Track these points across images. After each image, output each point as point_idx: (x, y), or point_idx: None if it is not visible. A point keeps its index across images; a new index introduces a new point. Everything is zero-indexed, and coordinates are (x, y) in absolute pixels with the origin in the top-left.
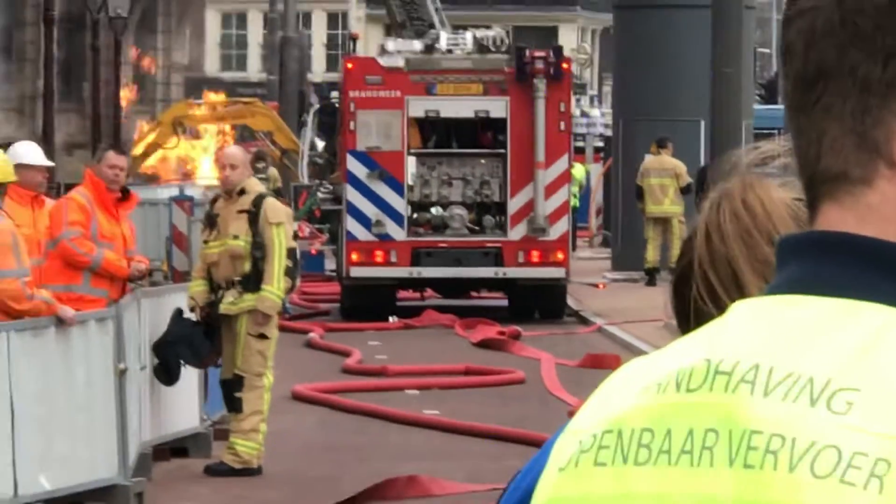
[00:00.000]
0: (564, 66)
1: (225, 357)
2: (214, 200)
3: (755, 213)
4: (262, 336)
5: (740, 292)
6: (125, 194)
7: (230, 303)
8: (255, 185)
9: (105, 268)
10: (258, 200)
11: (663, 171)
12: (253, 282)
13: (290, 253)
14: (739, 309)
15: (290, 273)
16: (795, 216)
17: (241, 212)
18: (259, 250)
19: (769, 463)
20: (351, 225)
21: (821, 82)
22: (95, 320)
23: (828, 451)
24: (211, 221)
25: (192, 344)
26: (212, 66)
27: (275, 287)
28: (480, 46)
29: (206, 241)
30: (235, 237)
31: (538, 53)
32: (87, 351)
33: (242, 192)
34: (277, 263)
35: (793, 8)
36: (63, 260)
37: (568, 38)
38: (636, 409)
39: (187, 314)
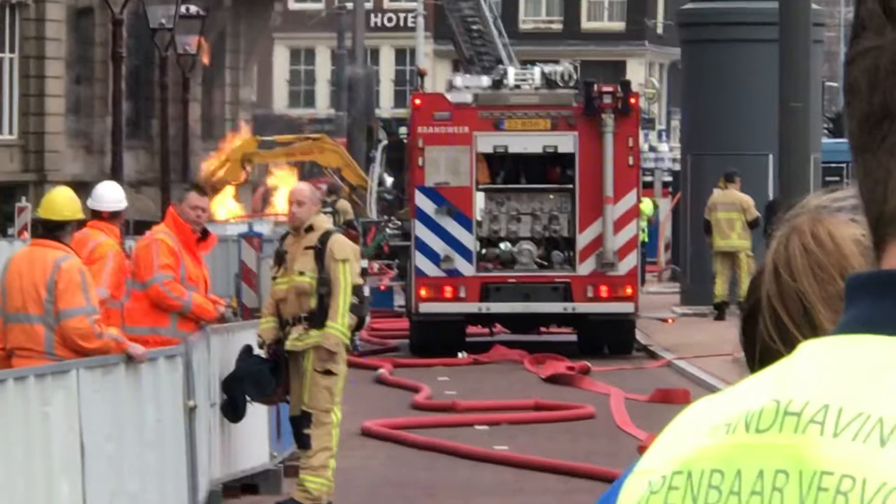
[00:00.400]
0: (632, 100)
1: (293, 394)
2: (284, 237)
3: (826, 247)
4: (328, 372)
5: (812, 328)
6: (204, 234)
7: (296, 339)
8: (323, 222)
9: (194, 311)
10: (325, 237)
11: (730, 206)
12: (319, 318)
13: (357, 290)
14: (807, 348)
15: (355, 310)
16: (864, 252)
17: (308, 248)
18: (325, 287)
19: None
20: (420, 261)
21: (886, 122)
22: (165, 357)
23: None
24: (280, 258)
25: (258, 381)
26: (280, 102)
27: (339, 324)
28: (548, 81)
29: (274, 278)
30: (301, 273)
31: (606, 88)
32: (156, 388)
33: (310, 228)
34: (343, 300)
35: (856, 47)
36: (151, 302)
37: (636, 73)
38: (705, 450)
39: (256, 351)
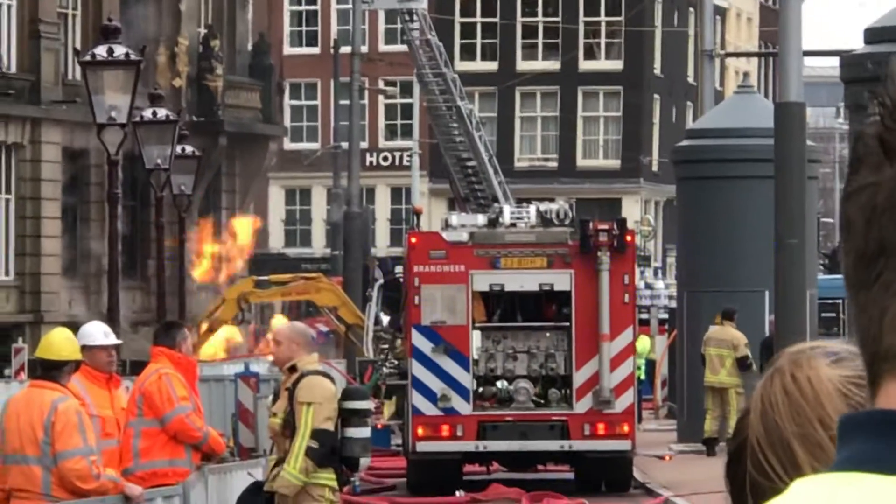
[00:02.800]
0: (628, 238)
1: None
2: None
3: (804, 392)
4: None
5: (796, 470)
6: None
7: (271, 480)
8: (305, 364)
9: (210, 443)
10: (298, 379)
11: (722, 342)
12: None
13: (318, 434)
14: (800, 487)
15: (312, 454)
16: (845, 395)
17: (286, 389)
18: (289, 429)
19: None
20: (417, 399)
21: (882, 258)
22: (162, 498)
23: None
24: (275, 397)
25: None
26: (276, 241)
27: (291, 466)
28: (544, 219)
29: (272, 415)
30: (274, 415)
31: (602, 226)
32: None
33: (293, 368)
34: (299, 443)
35: (853, 183)
36: (172, 435)
37: (631, 210)
38: None
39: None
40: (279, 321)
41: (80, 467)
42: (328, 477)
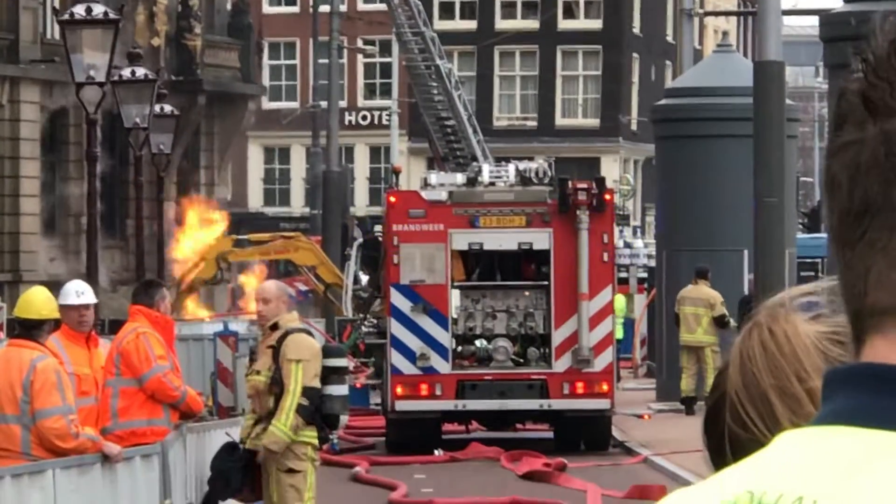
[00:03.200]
0: (607, 197)
1: (264, 492)
2: (262, 336)
3: (781, 346)
4: (291, 470)
5: (774, 423)
6: None
7: (254, 438)
8: (288, 321)
9: (188, 402)
10: (283, 337)
11: (698, 301)
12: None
13: (308, 392)
14: (784, 439)
15: (302, 411)
16: (822, 351)
17: (269, 347)
18: (277, 386)
19: None
20: (395, 359)
21: (866, 216)
22: (141, 456)
23: None
24: (252, 356)
25: (227, 479)
26: (255, 200)
27: (281, 423)
28: (523, 178)
29: (246, 376)
30: (258, 373)
31: (581, 185)
32: (133, 487)
33: (275, 326)
34: (290, 401)
35: (836, 141)
36: (150, 394)
37: (610, 169)
38: None
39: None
40: (254, 281)
41: (58, 426)
42: (311, 435)
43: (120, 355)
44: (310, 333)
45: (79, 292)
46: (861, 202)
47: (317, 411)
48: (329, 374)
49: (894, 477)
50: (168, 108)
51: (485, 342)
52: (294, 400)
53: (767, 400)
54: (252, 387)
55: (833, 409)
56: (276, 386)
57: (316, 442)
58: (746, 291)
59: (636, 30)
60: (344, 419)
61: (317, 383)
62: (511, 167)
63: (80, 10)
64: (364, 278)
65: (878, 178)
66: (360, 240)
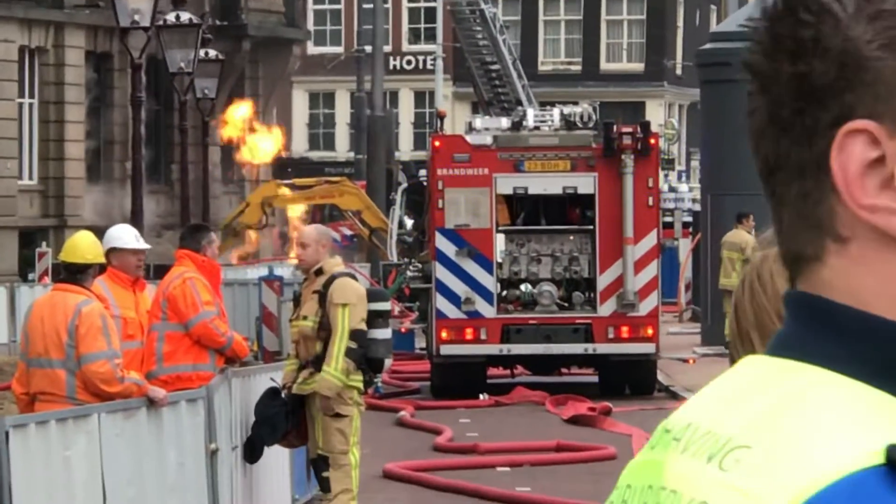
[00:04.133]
0: (652, 141)
1: (309, 437)
2: (304, 281)
3: (765, 285)
4: (338, 415)
5: None
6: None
7: (301, 383)
8: (333, 266)
9: (234, 348)
10: (329, 281)
11: (733, 245)
12: (322, 362)
13: (356, 335)
14: (738, 367)
15: (352, 354)
16: None
17: (314, 292)
18: (325, 331)
19: None
20: (440, 303)
21: (772, 176)
22: (186, 401)
23: None
24: (296, 301)
25: (272, 424)
26: (299, 145)
27: (332, 368)
28: (568, 123)
29: (290, 321)
30: (305, 318)
31: (626, 129)
32: (178, 431)
33: (320, 272)
34: (338, 345)
35: (747, 111)
36: (195, 340)
37: (655, 114)
38: (630, 468)
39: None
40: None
41: (104, 370)
42: (357, 379)
43: (167, 300)
44: (354, 278)
45: (136, 237)
46: (765, 163)
47: (362, 355)
48: (373, 318)
49: (763, 403)
50: (213, 52)
51: (530, 286)
52: (343, 344)
53: (749, 338)
54: (298, 332)
55: (778, 337)
56: (324, 331)
57: (361, 386)
58: None
59: None
60: (388, 363)
61: (363, 326)
62: (556, 111)
63: None
64: (409, 223)
65: (770, 138)
66: (405, 184)
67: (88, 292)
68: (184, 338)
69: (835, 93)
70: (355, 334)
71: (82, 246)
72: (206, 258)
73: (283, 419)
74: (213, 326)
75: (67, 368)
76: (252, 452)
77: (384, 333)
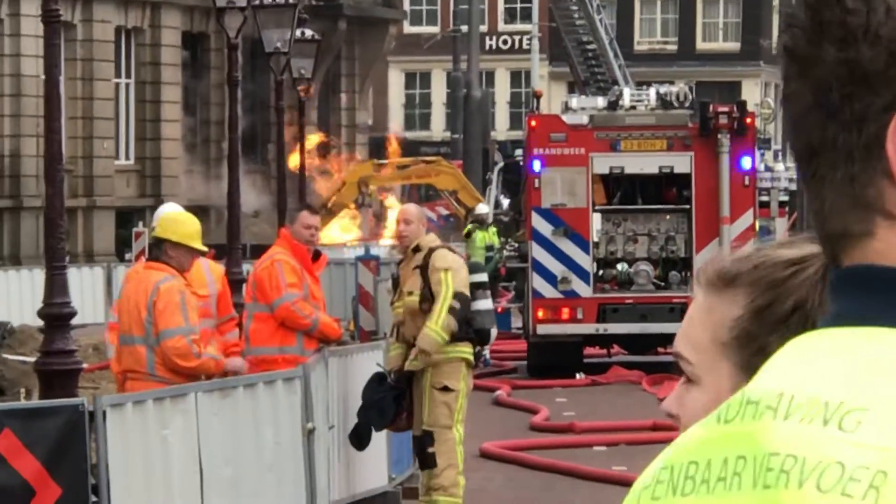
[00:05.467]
0: (748, 120)
1: (415, 413)
2: (399, 263)
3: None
4: (446, 388)
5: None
6: (316, 255)
7: (413, 359)
8: (430, 241)
9: (321, 330)
10: (429, 254)
11: None
12: None
13: (460, 296)
14: (788, 345)
15: (455, 314)
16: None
17: (415, 268)
18: (428, 302)
19: (782, 482)
20: (537, 282)
21: (814, 159)
22: (283, 380)
23: (833, 468)
24: (395, 283)
25: (381, 409)
26: (395, 125)
27: (434, 323)
28: (664, 102)
29: (392, 303)
30: (410, 293)
31: (722, 108)
32: (275, 411)
33: (417, 248)
34: (441, 302)
35: (783, 93)
36: (278, 322)
37: (751, 93)
38: (685, 445)
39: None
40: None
41: (180, 345)
42: (467, 350)
43: (255, 281)
44: (451, 251)
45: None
46: (806, 146)
47: (468, 325)
48: (473, 290)
49: (860, 367)
50: (309, 32)
51: (626, 266)
52: (446, 303)
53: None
54: (404, 309)
55: (838, 311)
56: (427, 302)
57: (471, 358)
58: None
59: None
60: (493, 332)
61: (466, 291)
62: (652, 91)
63: None
64: (505, 202)
65: (815, 122)
66: (501, 164)
67: (171, 269)
68: (269, 319)
69: (887, 79)
70: (458, 295)
71: (184, 223)
72: (291, 237)
73: (390, 403)
74: (295, 309)
75: (148, 345)
76: (360, 439)
77: (486, 304)
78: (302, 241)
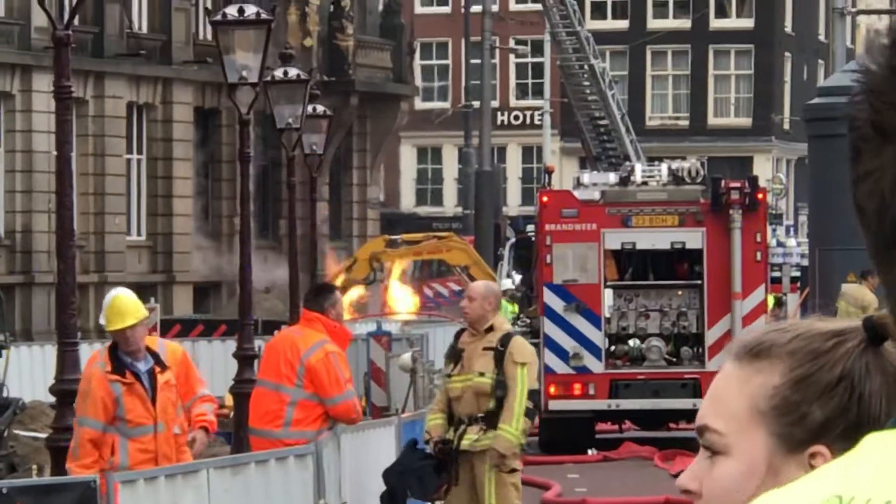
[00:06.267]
0: (760, 196)
1: (459, 494)
2: (459, 334)
3: None
4: (514, 470)
5: None
6: None
7: (473, 440)
8: (503, 323)
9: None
10: (505, 339)
11: (854, 300)
12: (496, 419)
13: (532, 394)
14: (871, 442)
15: (529, 414)
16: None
17: (486, 349)
18: (502, 389)
19: None
20: (549, 358)
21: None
22: (295, 456)
23: None
24: (456, 356)
25: (421, 477)
26: (407, 201)
27: (513, 427)
28: (676, 178)
29: (449, 375)
30: (482, 374)
31: (734, 184)
32: (286, 487)
33: (490, 328)
34: (518, 404)
35: (857, 171)
36: (333, 414)
37: (763, 168)
38: None
39: (420, 445)
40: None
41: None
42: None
43: (305, 369)
44: (525, 336)
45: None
46: (892, 228)
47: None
48: None
49: None
50: (320, 108)
51: (638, 341)
52: (523, 404)
53: None
54: (470, 388)
55: None
56: (501, 389)
57: (524, 442)
58: None
59: (788, 29)
60: (535, 412)
61: (536, 386)
62: (664, 166)
63: (232, 11)
64: (517, 278)
65: None
66: (513, 239)
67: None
68: (317, 407)
69: None
70: (531, 393)
71: (106, 309)
72: (336, 322)
73: (431, 473)
74: (353, 405)
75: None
76: (393, 502)
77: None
78: (339, 323)
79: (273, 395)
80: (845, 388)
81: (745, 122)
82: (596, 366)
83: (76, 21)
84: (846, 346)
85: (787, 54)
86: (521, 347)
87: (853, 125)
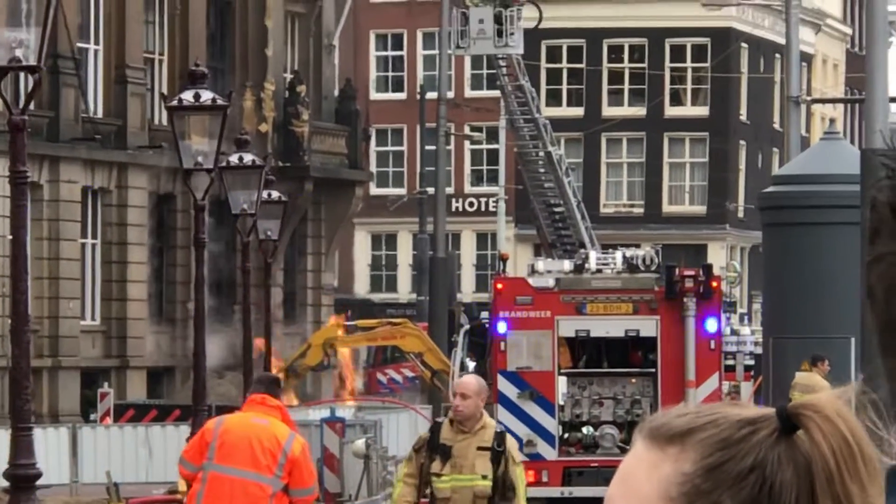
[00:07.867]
0: (714, 284)
1: None
2: (437, 428)
3: None
4: None
5: None
6: None
7: None
8: (488, 418)
9: None
10: (500, 438)
11: (806, 388)
12: None
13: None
14: None
15: None
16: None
17: (482, 448)
18: (511, 491)
19: None
20: None
21: None
22: None
23: None
24: (444, 453)
25: None
26: (361, 287)
27: None
28: (630, 266)
29: (438, 475)
30: (484, 477)
31: (688, 272)
32: None
33: (482, 427)
34: None
35: (872, 253)
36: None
37: (717, 256)
38: None
39: None
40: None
41: None
42: None
43: (290, 462)
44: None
45: None
46: None
47: None
48: None
49: None
50: (275, 194)
51: (591, 429)
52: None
53: None
54: (472, 491)
55: None
56: (511, 491)
57: None
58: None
59: (743, 117)
60: None
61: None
62: (618, 254)
63: (187, 97)
64: (471, 365)
65: None
66: (467, 326)
67: None
68: (284, 498)
69: None
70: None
71: None
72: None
73: None
74: (312, 498)
75: None
76: None
77: None
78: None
79: (254, 485)
80: (756, 478)
81: (700, 209)
82: (549, 453)
83: (32, 105)
84: (759, 436)
85: (742, 142)
86: (514, 445)
87: (873, 206)
